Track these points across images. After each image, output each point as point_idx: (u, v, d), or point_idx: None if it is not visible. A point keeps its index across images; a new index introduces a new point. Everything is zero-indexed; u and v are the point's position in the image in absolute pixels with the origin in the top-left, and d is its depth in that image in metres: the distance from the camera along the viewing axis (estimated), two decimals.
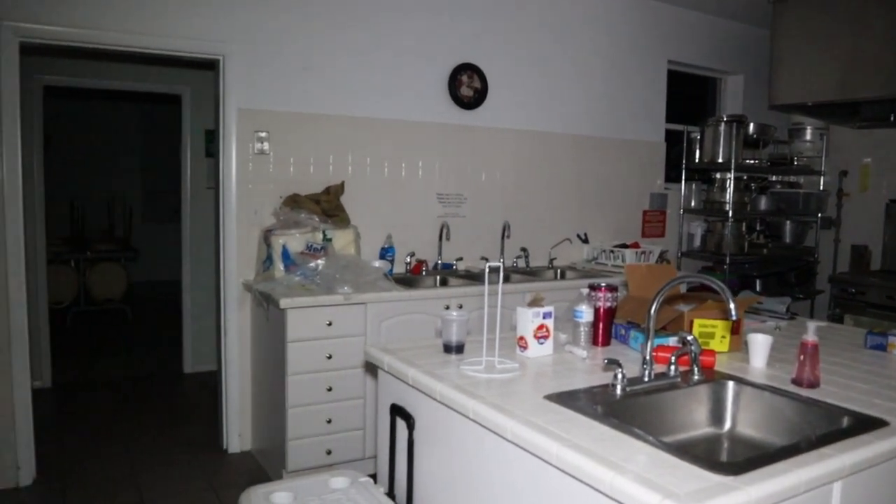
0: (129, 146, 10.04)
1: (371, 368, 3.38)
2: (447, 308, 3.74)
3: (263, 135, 4.01)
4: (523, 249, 4.77)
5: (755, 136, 5.20)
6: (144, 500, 3.50)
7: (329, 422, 3.56)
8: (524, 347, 2.20)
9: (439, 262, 4.47)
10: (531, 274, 4.67)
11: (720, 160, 5.08)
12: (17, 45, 3.48)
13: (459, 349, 2.22)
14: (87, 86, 5.57)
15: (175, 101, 5.67)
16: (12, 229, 3.54)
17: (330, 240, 3.79)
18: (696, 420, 1.93)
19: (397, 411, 2.17)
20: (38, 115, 5.04)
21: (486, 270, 2.05)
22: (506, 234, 4.67)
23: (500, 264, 2.24)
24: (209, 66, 4.14)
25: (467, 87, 4.57)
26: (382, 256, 4.17)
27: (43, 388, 5.13)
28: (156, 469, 3.86)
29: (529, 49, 4.83)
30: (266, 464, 3.85)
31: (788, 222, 5.83)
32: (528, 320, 2.20)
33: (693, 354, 1.99)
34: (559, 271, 4.86)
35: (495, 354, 2.07)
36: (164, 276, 9.11)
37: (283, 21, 4.00)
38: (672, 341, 2.23)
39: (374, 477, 2.32)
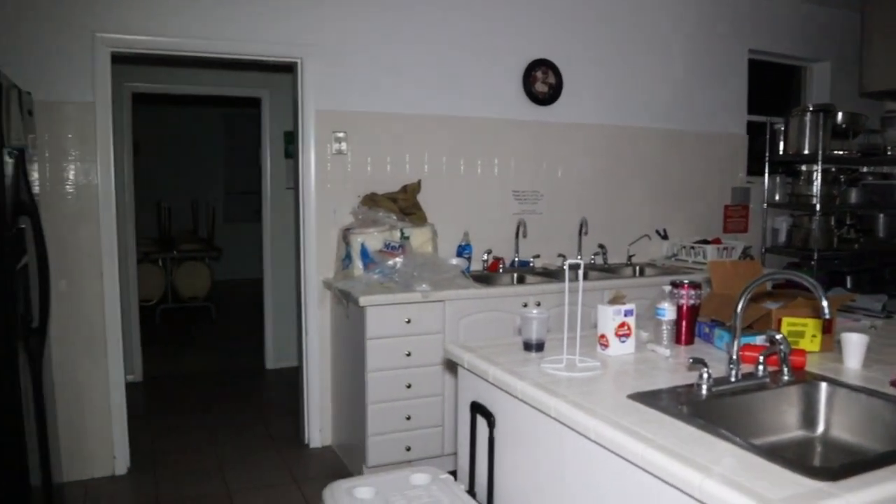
0: (212, 149, 10.37)
1: (450, 366, 3.40)
2: (525, 306, 3.73)
3: (341, 135, 4.08)
4: (601, 246, 4.70)
5: (844, 125, 4.97)
6: (231, 491, 3.62)
7: (408, 418, 3.60)
8: (605, 346, 2.18)
9: (516, 259, 4.45)
10: (609, 271, 4.60)
11: (806, 151, 4.89)
12: (109, 55, 3.64)
13: (539, 347, 2.21)
14: (172, 92, 5.79)
15: (255, 104, 5.83)
16: (107, 231, 3.71)
17: (407, 238, 3.83)
18: (786, 422, 1.86)
19: (477, 409, 2.18)
20: (127, 122, 5.26)
21: (566, 268, 2.03)
22: (583, 230, 4.61)
23: (581, 261, 2.21)
24: (288, 70, 4.24)
25: (542, 83, 4.54)
26: (459, 254, 4.19)
27: (135, 381, 5.35)
28: (241, 461, 3.98)
29: (605, 42, 4.75)
30: (346, 459, 3.93)
31: (882, 216, 5.55)
32: (610, 318, 2.17)
33: (782, 354, 1.93)
34: (638, 268, 4.77)
35: (576, 353, 2.06)
36: (245, 275, 9.38)
37: (359, 22, 4.06)
38: (759, 340, 2.16)
39: (453, 474, 2.33)
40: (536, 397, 1.81)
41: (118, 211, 3.81)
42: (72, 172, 3.63)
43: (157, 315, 7.79)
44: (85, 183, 3.65)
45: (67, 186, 3.63)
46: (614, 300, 2.29)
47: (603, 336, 2.19)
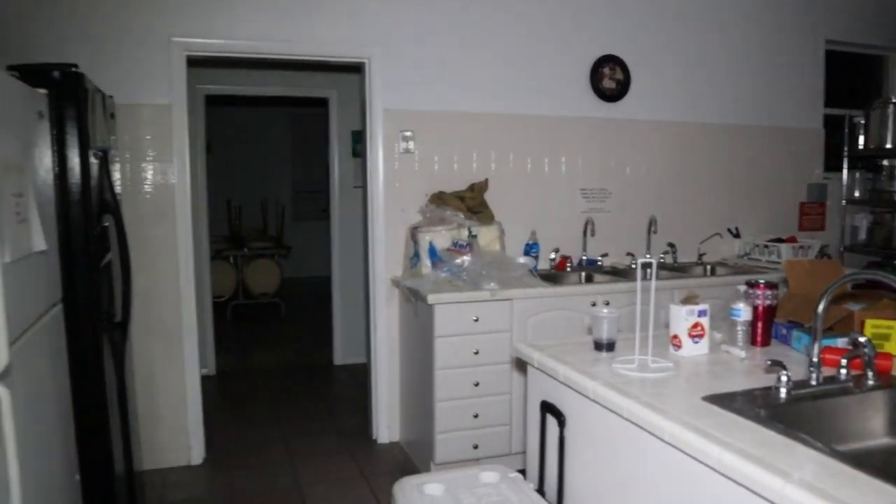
0: (279, 148, 10.58)
1: (519, 365, 3.40)
2: (593, 305, 3.70)
3: (408, 134, 4.12)
4: (670, 245, 4.62)
5: None
6: (301, 483, 3.70)
7: (476, 416, 3.61)
8: (678, 346, 2.14)
9: (584, 258, 4.41)
10: (679, 270, 4.52)
11: (889, 146, 4.70)
12: (184, 59, 3.76)
13: (610, 347, 2.19)
14: (242, 93, 5.93)
15: (322, 104, 5.92)
16: (183, 229, 3.84)
17: (475, 236, 3.84)
18: (871, 429, 1.80)
19: (547, 408, 2.17)
20: (200, 123, 5.41)
21: (639, 266, 2.01)
22: (652, 229, 4.54)
23: (654, 260, 2.18)
24: (355, 70, 4.30)
25: (609, 80, 4.48)
26: (527, 253, 4.18)
27: (208, 375, 5.51)
28: (310, 455, 4.06)
29: (673, 36, 4.66)
30: (414, 455, 3.97)
31: None
32: (682, 318, 2.13)
33: (867, 357, 1.86)
34: (709, 267, 4.67)
35: (648, 353, 2.03)
36: (313, 272, 9.56)
37: (425, 22, 4.09)
38: (841, 343, 2.09)
39: (522, 473, 2.33)
40: (609, 398, 1.79)
41: (192, 209, 3.93)
42: (149, 172, 3.76)
43: (228, 311, 8.00)
44: (162, 182, 3.78)
45: (145, 186, 3.77)
46: (687, 300, 2.24)
47: (675, 336, 2.15)
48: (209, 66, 4.96)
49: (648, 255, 4.52)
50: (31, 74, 2.23)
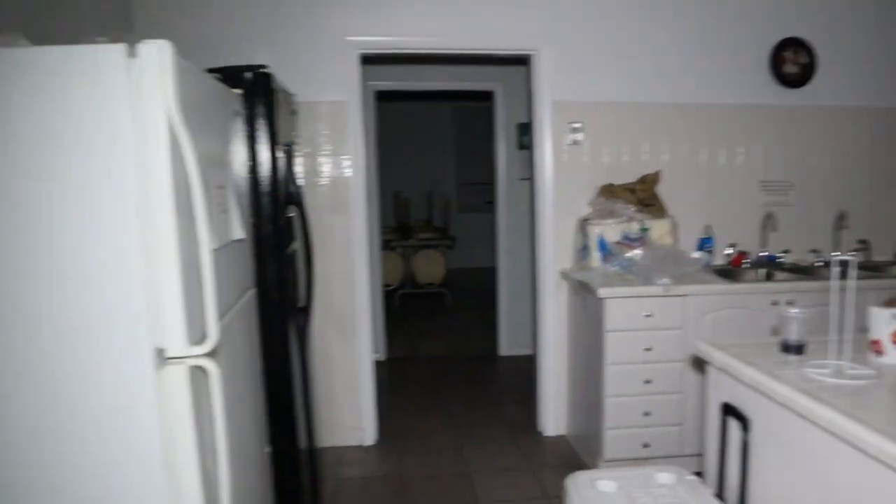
0: (443, 142, 10.79)
1: (696, 363, 3.27)
2: (774, 304, 3.48)
3: (577, 125, 4.06)
4: (862, 241, 4.24)
5: None
6: (471, 471, 3.76)
7: (646, 414, 3.51)
8: (879, 353, 1.97)
9: (763, 254, 4.15)
10: (874, 269, 4.14)
11: None
12: (358, 57, 3.92)
13: (799, 349, 2.05)
14: (410, 88, 6.08)
15: (487, 97, 5.97)
16: (357, 220, 4.01)
17: (646, 230, 3.72)
18: None
19: (729, 411, 2.07)
20: (371, 119, 5.62)
21: (834, 263, 1.87)
22: (841, 224, 4.19)
23: (851, 258, 2.01)
24: (521, 62, 4.28)
25: (792, 64, 4.17)
26: (700, 248, 4.00)
27: (379, 360, 5.73)
28: (477, 443, 4.12)
29: (866, 13, 4.25)
30: (581, 450, 3.92)
31: None
32: (885, 322, 1.96)
33: None
34: None
35: (844, 358, 1.88)
36: (478, 263, 9.70)
37: (593, 10, 4.00)
38: None
39: (698, 475, 2.24)
40: (802, 404, 1.68)
41: (366, 201, 4.08)
42: (326, 166, 3.97)
43: (395, 299, 8.28)
44: (337, 175, 3.97)
45: (321, 179, 3.97)
46: (891, 302, 2.06)
47: (877, 342, 1.98)
48: (378, 63, 5.14)
49: (838, 253, 4.17)
50: (228, 76, 2.41)
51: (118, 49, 1.41)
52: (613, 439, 3.52)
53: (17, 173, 1.41)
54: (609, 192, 3.93)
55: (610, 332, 3.44)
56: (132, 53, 1.43)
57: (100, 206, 1.42)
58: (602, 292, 3.39)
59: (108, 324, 1.45)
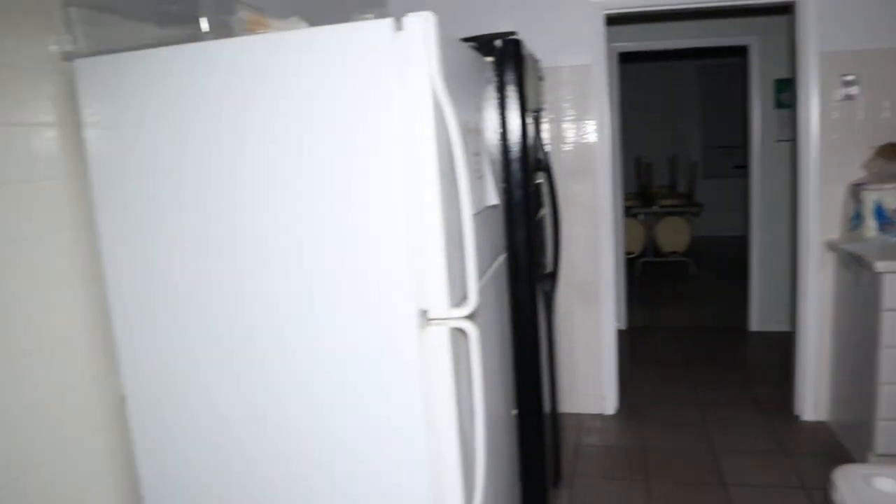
0: (687, 103, 10.21)
1: None
2: None
3: (850, 78, 3.63)
4: None
5: None
6: (715, 449, 3.59)
7: None
8: None
9: None
10: None
11: None
12: (603, 18, 3.82)
13: None
14: (656, 48, 5.80)
15: (736, 52, 5.52)
16: (602, 187, 3.96)
17: None
18: None
19: None
20: (615, 82, 5.46)
21: None
22: None
23: None
24: (781, 11, 3.90)
25: None
26: None
27: (620, 329, 5.63)
28: (724, 421, 3.92)
29: None
30: (845, 439, 3.57)
31: None
32: None
33: None
34: None
35: None
36: (725, 231, 9.18)
37: None
38: None
39: None
40: None
41: (610, 167, 4.00)
42: (570, 132, 3.94)
43: (636, 268, 8.07)
44: (581, 141, 3.92)
45: (565, 145, 3.94)
46: None
47: None
48: (621, 23, 4.96)
49: None
50: (481, 45, 2.46)
51: (386, 24, 1.48)
52: (888, 431, 3.14)
53: (307, 150, 1.54)
54: (890, 151, 3.48)
55: (888, 311, 3.06)
56: (398, 27, 1.49)
57: (367, 174, 1.51)
58: (879, 266, 3.02)
59: (376, 287, 1.55)
